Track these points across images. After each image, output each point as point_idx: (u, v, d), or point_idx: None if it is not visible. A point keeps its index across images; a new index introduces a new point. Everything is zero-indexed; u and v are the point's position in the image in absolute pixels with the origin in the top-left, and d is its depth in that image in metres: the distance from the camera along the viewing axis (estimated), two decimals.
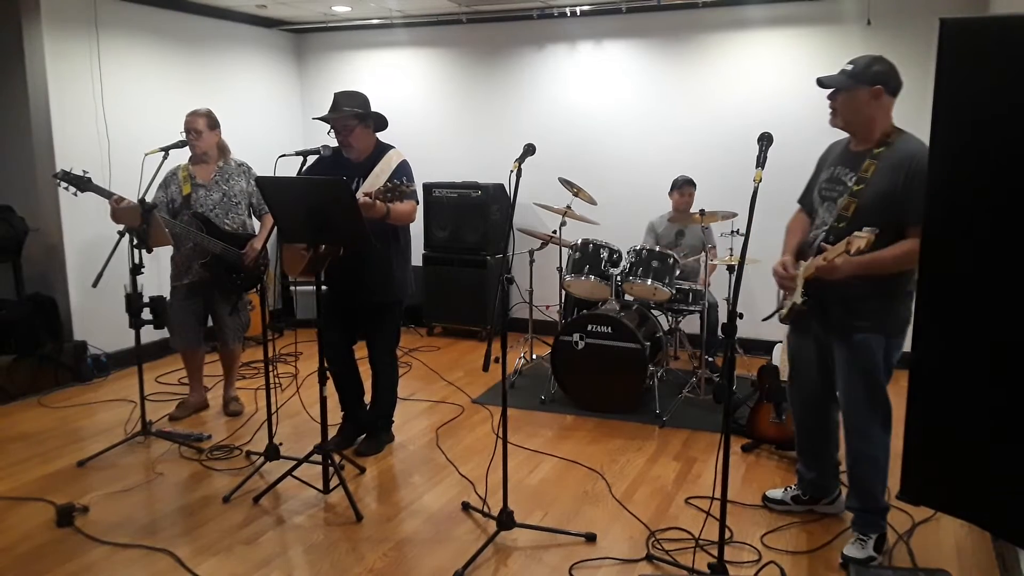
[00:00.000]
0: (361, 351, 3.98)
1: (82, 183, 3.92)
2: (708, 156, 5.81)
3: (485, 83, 6.56)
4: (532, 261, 5.33)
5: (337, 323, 3.88)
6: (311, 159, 3.56)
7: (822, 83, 2.76)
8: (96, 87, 5.34)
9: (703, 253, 4.87)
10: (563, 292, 5.13)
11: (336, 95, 3.72)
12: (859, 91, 2.70)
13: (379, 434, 4.06)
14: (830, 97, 2.78)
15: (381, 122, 3.80)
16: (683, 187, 5.35)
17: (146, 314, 4.10)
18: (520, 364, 5.35)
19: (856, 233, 2.47)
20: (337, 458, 3.51)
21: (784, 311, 2.87)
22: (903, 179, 2.60)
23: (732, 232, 4.98)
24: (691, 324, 5.46)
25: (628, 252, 4.82)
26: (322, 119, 3.73)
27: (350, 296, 3.82)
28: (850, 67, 2.73)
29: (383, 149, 3.79)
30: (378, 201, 3.40)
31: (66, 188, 3.93)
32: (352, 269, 3.62)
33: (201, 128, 4.24)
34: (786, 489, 3.29)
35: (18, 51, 5.06)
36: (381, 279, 3.77)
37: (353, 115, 3.66)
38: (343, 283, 3.77)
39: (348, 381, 4.02)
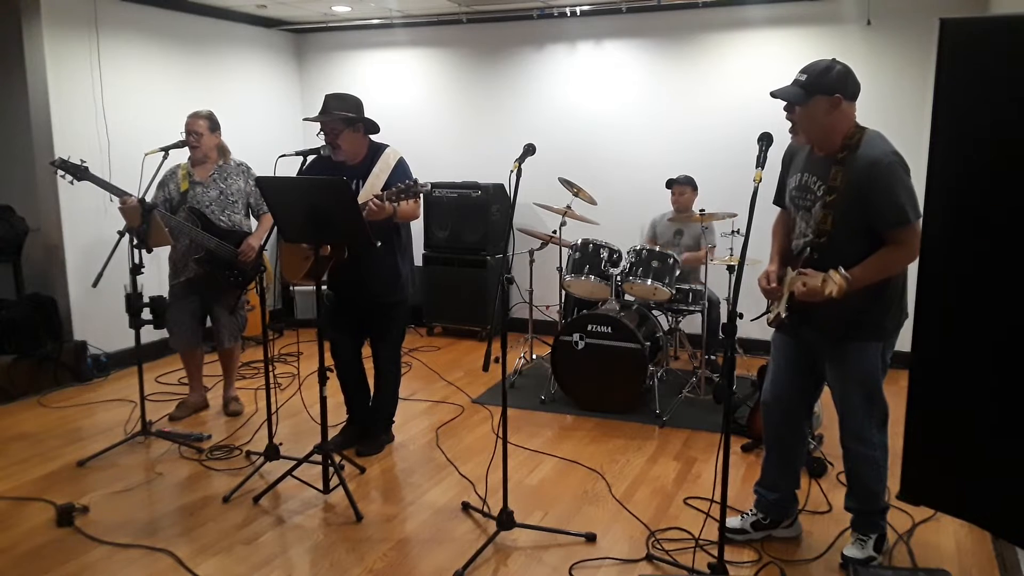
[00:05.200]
0: (365, 350, 3.98)
1: (79, 171, 3.92)
2: (708, 156, 5.80)
3: (485, 83, 6.56)
4: (532, 261, 5.33)
5: (346, 327, 3.88)
6: (309, 159, 3.56)
7: (776, 96, 2.61)
8: (96, 87, 5.34)
9: (701, 250, 4.86)
10: (563, 292, 5.13)
11: (326, 97, 3.69)
12: (816, 102, 2.55)
13: (379, 434, 4.05)
14: (787, 109, 2.64)
15: (372, 127, 3.75)
16: (674, 186, 5.22)
17: (146, 314, 4.10)
18: (520, 364, 5.35)
19: (833, 274, 2.37)
20: (337, 458, 3.51)
21: (771, 316, 2.80)
22: (868, 186, 2.50)
23: (732, 232, 4.98)
24: (691, 324, 5.46)
25: (628, 252, 4.81)
26: (311, 120, 3.72)
27: (359, 299, 3.81)
28: (803, 77, 2.56)
29: (378, 149, 3.76)
30: (388, 203, 3.39)
31: (63, 176, 3.94)
32: (358, 271, 3.62)
33: (202, 131, 4.24)
34: (743, 516, 3.08)
35: (18, 51, 5.06)
36: (388, 279, 3.76)
37: (341, 119, 3.63)
38: (351, 287, 3.77)
39: (356, 386, 4.02)
